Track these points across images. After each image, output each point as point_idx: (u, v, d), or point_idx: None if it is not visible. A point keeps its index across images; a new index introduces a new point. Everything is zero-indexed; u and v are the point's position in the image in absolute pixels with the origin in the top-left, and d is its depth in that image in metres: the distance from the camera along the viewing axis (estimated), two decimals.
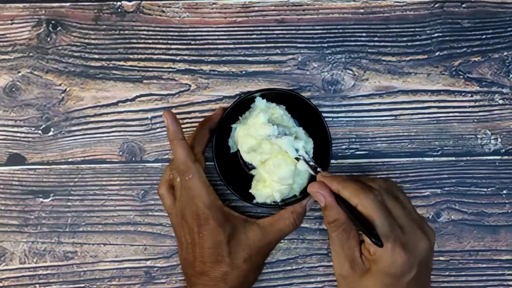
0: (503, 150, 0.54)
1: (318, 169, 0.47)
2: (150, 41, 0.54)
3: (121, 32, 0.54)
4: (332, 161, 0.53)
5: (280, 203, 0.50)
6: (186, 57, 0.54)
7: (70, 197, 0.54)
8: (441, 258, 0.53)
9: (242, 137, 0.49)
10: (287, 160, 0.48)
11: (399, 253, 0.40)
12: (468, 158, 0.54)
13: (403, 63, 0.54)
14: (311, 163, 0.47)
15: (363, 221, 0.41)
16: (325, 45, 0.54)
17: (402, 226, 0.42)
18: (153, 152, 0.54)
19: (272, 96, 0.51)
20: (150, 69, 0.54)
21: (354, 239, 0.43)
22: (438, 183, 0.54)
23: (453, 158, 0.54)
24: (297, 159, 0.48)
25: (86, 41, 0.54)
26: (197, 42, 0.54)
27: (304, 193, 0.50)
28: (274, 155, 0.48)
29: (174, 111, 0.54)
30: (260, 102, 0.50)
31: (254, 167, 0.51)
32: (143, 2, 0.54)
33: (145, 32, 0.54)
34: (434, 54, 0.54)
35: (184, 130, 0.53)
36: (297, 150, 0.48)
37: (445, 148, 0.54)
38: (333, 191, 0.44)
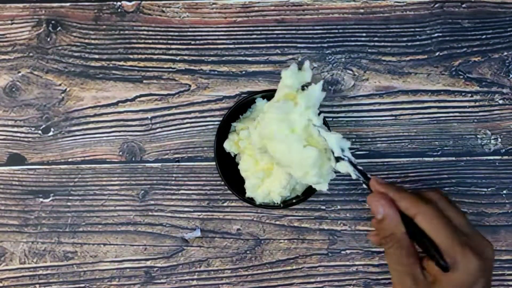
0: (503, 150, 0.54)
1: (369, 175, 0.43)
2: (150, 41, 0.54)
3: (121, 32, 0.54)
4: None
5: (280, 204, 0.50)
6: (186, 57, 0.54)
7: (70, 197, 0.54)
8: None
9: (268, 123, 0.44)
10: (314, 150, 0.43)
11: (470, 257, 0.37)
12: (468, 158, 0.54)
13: (403, 63, 0.54)
14: (359, 167, 0.43)
15: (423, 238, 0.39)
16: (325, 45, 0.54)
17: (466, 233, 0.39)
18: (153, 152, 0.54)
19: (272, 97, 0.51)
20: (150, 69, 0.54)
21: (414, 256, 0.40)
22: (438, 183, 0.54)
23: (453, 158, 0.54)
24: (339, 159, 0.43)
25: (86, 41, 0.54)
26: (197, 42, 0.54)
27: (306, 194, 0.50)
28: (305, 144, 0.44)
29: (174, 111, 0.54)
30: (261, 103, 0.50)
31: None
32: (143, 2, 0.54)
33: (145, 32, 0.54)
34: (434, 54, 0.54)
35: (184, 130, 0.54)
36: (342, 150, 0.43)
37: (445, 148, 0.54)
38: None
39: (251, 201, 0.50)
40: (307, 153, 0.43)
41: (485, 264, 0.38)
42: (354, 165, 0.43)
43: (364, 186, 0.43)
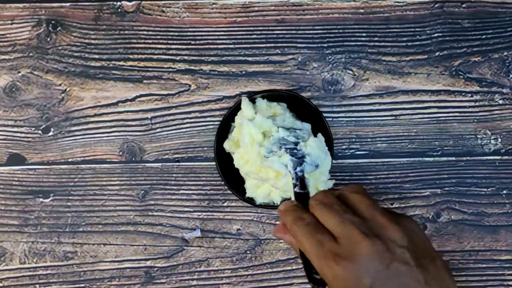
0: (503, 150, 0.54)
1: (296, 190, 0.43)
2: (150, 41, 0.54)
3: (121, 32, 0.54)
4: (332, 161, 0.53)
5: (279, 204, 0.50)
6: (186, 57, 0.54)
7: (70, 197, 0.54)
8: None
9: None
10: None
11: (332, 266, 0.36)
12: (468, 158, 0.54)
13: (403, 63, 0.54)
14: (293, 182, 0.44)
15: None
16: (325, 45, 0.54)
17: (336, 236, 0.37)
18: (153, 152, 0.54)
19: (273, 97, 0.51)
20: (150, 69, 0.54)
21: None
22: (438, 183, 0.54)
23: (453, 158, 0.54)
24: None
25: (86, 41, 0.54)
26: (197, 42, 0.54)
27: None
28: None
29: (174, 111, 0.54)
30: (260, 103, 0.50)
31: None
32: (143, 2, 0.54)
33: (145, 32, 0.54)
34: (434, 54, 0.54)
35: (184, 130, 0.54)
36: (286, 166, 0.45)
37: (445, 148, 0.54)
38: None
39: (251, 201, 0.50)
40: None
41: (355, 267, 0.35)
42: (296, 185, 0.43)
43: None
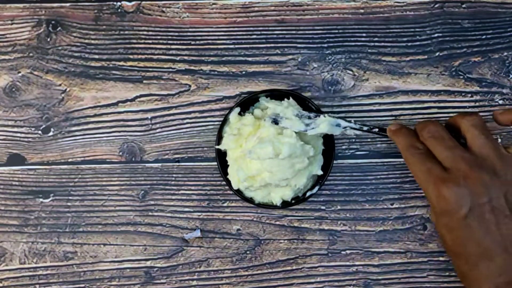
0: None
1: (375, 129, 0.49)
2: (150, 41, 0.54)
3: (121, 32, 0.54)
4: (333, 161, 0.53)
5: (280, 205, 0.50)
6: (186, 57, 0.54)
7: (70, 197, 0.54)
8: (441, 258, 0.53)
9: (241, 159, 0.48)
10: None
11: (438, 187, 0.43)
12: None
13: (403, 63, 0.54)
14: (365, 128, 0.49)
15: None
16: (325, 45, 0.54)
17: (446, 167, 0.43)
18: (153, 152, 0.54)
19: (274, 96, 0.51)
20: (150, 69, 0.54)
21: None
22: None
23: None
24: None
25: (86, 41, 0.54)
26: (197, 42, 0.54)
27: (307, 194, 0.50)
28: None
29: (174, 111, 0.54)
30: (264, 102, 0.50)
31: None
32: (143, 2, 0.54)
33: (145, 32, 0.54)
34: (434, 54, 0.54)
35: (184, 130, 0.54)
36: (338, 125, 0.48)
37: None
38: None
39: (251, 200, 0.50)
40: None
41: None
42: (357, 128, 0.48)
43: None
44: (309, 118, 0.48)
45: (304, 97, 0.50)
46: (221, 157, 0.50)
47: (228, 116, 0.50)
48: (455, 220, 0.42)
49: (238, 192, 0.50)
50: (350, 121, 0.49)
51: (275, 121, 0.47)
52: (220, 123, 0.51)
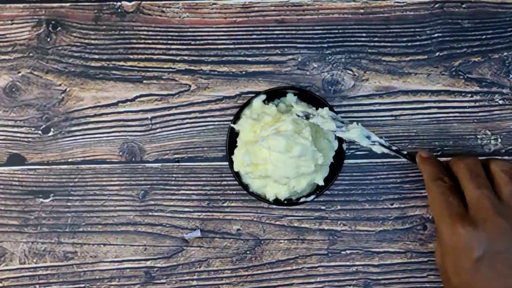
0: (503, 151, 0.54)
1: (404, 152, 0.48)
2: (150, 41, 0.54)
3: (121, 32, 0.54)
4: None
5: (294, 200, 0.50)
6: (186, 57, 0.54)
7: (70, 197, 0.54)
8: None
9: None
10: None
11: (453, 225, 0.42)
12: None
13: (403, 63, 0.54)
14: (394, 148, 0.48)
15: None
16: (325, 45, 0.54)
17: (468, 204, 0.43)
18: (153, 152, 0.54)
19: (279, 95, 0.52)
20: (150, 69, 0.54)
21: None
22: None
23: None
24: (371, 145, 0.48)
25: (86, 41, 0.54)
26: (197, 42, 0.54)
27: (315, 193, 0.51)
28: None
29: (174, 111, 0.54)
30: (292, 100, 0.51)
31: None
32: (143, 2, 0.54)
33: (145, 32, 0.54)
34: (434, 54, 0.54)
35: (184, 130, 0.54)
36: (368, 137, 0.47)
37: (445, 148, 0.54)
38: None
39: (246, 187, 0.50)
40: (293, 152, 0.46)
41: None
42: (386, 147, 0.47)
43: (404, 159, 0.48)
44: (342, 122, 0.48)
45: (315, 94, 0.51)
46: (231, 136, 0.50)
47: (252, 100, 0.50)
48: (465, 261, 0.41)
49: (237, 175, 0.50)
50: (381, 137, 0.48)
51: (307, 117, 0.47)
52: (229, 120, 0.51)
